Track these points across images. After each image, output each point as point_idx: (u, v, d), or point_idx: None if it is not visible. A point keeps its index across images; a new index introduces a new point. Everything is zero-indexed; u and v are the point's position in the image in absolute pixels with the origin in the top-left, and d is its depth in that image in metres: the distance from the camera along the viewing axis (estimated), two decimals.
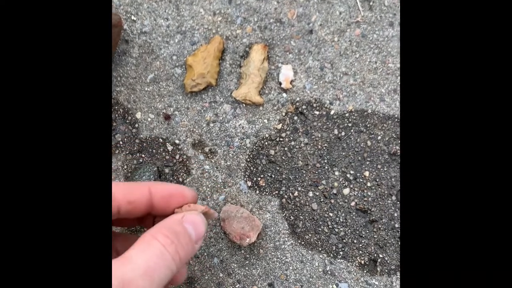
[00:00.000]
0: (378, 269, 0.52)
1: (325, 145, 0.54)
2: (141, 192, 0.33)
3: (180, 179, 0.56)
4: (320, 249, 0.53)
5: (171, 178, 0.56)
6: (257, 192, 0.55)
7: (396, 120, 0.54)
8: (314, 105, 0.55)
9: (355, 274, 0.53)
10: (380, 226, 0.53)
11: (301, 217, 0.54)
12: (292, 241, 0.54)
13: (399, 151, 0.53)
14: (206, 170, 0.56)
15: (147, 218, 0.38)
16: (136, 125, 0.57)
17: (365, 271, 0.53)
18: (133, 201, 0.33)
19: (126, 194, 0.32)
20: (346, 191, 0.54)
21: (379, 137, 0.54)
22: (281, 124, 0.55)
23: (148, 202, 0.34)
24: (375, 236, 0.53)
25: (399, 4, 0.56)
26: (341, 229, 0.53)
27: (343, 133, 0.54)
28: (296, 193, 0.54)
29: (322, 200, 0.54)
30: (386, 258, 0.52)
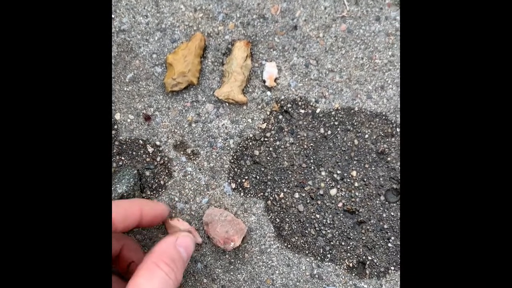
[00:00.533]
0: (367, 271, 0.51)
1: (311, 144, 0.53)
2: (134, 218, 0.39)
3: (162, 182, 0.54)
4: (307, 252, 0.52)
5: (152, 181, 0.54)
6: (242, 194, 0.53)
7: (383, 117, 0.52)
8: (299, 103, 0.53)
9: (343, 277, 0.51)
10: (368, 227, 0.51)
11: (287, 219, 0.52)
12: (278, 244, 0.52)
13: (387, 149, 0.52)
14: (189, 172, 0.54)
15: None
16: (115, 127, 0.55)
17: (353, 274, 0.51)
18: (127, 226, 0.38)
19: (122, 221, 0.37)
20: (333, 191, 0.52)
21: (367, 136, 0.52)
22: (265, 124, 0.53)
23: (137, 223, 0.40)
24: (364, 238, 0.51)
25: (387, 0, 0.54)
26: (329, 231, 0.52)
27: (329, 132, 0.53)
28: (281, 195, 0.53)
29: (308, 201, 0.52)
30: (375, 260, 0.51)
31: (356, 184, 0.52)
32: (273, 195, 0.53)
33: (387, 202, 0.51)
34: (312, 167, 0.53)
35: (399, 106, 0.52)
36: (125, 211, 0.38)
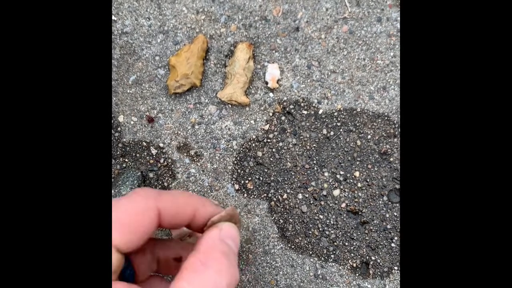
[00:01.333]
0: (371, 271, 0.51)
1: (314, 145, 0.53)
2: (149, 218, 0.27)
3: (165, 184, 0.54)
4: (310, 252, 0.52)
5: (156, 183, 0.54)
6: (245, 195, 0.53)
7: (386, 118, 0.52)
8: (302, 104, 0.54)
9: (347, 277, 0.51)
10: (371, 227, 0.51)
11: (291, 220, 0.52)
12: (282, 245, 0.52)
13: (389, 150, 0.52)
14: (192, 174, 0.54)
15: None
16: (119, 129, 0.55)
17: (357, 274, 0.51)
18: (173, 225, 0.29)
19: (171, 218, 0.28)
20: (336, 192, 0.52)
21: (369, 136, 0.52)
22: (268, 125, 0.54)
23: (156, 226, 0.28)
24: (367, 238, 0.51)
25: (388, 0, 0.55)
26: (332, 231, 0.52)
27: (332, 133, 0.53)
28: (285, 196, 0.53)
29: (311, 202, 0.52)
30: (378, 261, 0.51)
31: (359, 185, 0.52)
32: (277, 196, 0.53)
33: (390, 203, 0.51)
34: (315, 168, 0.53)
35: None
36: (177, 208, 0.29)
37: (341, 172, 0.52)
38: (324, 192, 0.52)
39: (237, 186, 0.53)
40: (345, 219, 0.52)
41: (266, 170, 0.53)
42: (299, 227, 0.52)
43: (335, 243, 0.52)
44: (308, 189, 0.53)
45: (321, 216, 0.52)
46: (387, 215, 0.51)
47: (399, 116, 0.52)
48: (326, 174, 0.53)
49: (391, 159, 0.52)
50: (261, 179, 0.53)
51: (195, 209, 0.29)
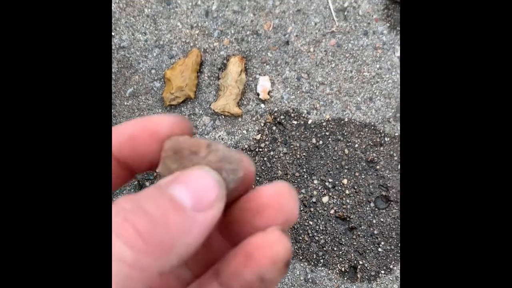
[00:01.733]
0: (359, 275, 0.53)
1: (304, 154, 0.55)
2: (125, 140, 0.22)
3: None
4: (301, 257, 0.54)
5: None
6: None
7: (372, 127, 0.55)
8: (292, 115, 0.56)
9: (336, 281, 0.53)
10: (359, 233, 0.53)
11: None
12: None
13: (376, 158, 0.54)
14: None
15: None
16: None
17: (345, 278, 0.53)
18: (128, 156, 0.22)
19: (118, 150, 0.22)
20: (325, 199, 0.54)
21: (356, 145, 0.55)
22: (260, 135, 0.56)
23: (113, 162, 0.22)
24: (355, 243, 0.53)
25: (374, 14, 0.57)
26: (321, 237, 0.54)
27: (321, 142, 0.55)
28: None
29: (302, 208, 0.55)
30: (366, 265, 0.53)
31: (347, 192, 0.54)
32: None
33: (376, 209, 0.54)
34: (305, 176, 0.55)
35: (387, 117, 0.55)
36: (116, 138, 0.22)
37: (330, 180, 0.55)
38: (314, 199, 0.55)
39: None
40: (334, 225, 0.54)
41: (258, 179, 0.56)
42: (290, 233, 0.54)
43: (324, 248, 0.54)
44: (298, 196, 0.55)
45: (311, 222, 0.54)
46: (374, 221, 0.53)
47: (387, 126, 0.55)
48: (315, 181, 0.55)
49: (378, 167, 0.54)
50: (253, 186, 0.55)
51: (152, 127, 0.21)
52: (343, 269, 0.53)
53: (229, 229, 0.23)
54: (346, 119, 0.55)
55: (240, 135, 0.56)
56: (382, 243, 0.53)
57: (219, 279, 0.22)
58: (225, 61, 0.57)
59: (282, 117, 0.56)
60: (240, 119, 0.56)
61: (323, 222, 0.54)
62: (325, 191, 0.54)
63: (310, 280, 0.54)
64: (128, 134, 0.21)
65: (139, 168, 0.21)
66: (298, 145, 0.55)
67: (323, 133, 0.55)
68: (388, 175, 0.54)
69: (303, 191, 0.55)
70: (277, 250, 0.21)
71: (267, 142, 0.56)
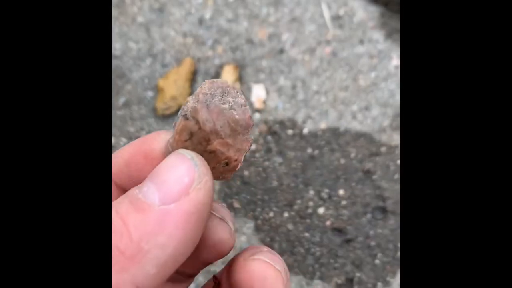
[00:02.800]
0: None
1: (299, 164, 0.54)
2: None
3: None
4: (296, 270, 0.53)
5: None
6: (232, 214, 0.54)
7: (368, 137, 0.54)
8: (287, 124, 0.55)
9: None
10: (356, 244, 0.52)
11: (277, 238, 0.53)
12: None
13: (372, 168, 0.53)
14: None
15: None
16: None
17: None
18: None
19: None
20: (321, 210, 0.53)
21: (352, 155, 0.54)
22: (255, 144, 0.55)
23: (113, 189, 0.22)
24: (351, 255, 0.52)
25: (369, 22, 0.56)
26: (317, 249, 0.53)
27: (316, 152, 0.54)
28: (271, 214, 0.54)
29: (297, 220, 0.54)
30: (362, 277, 0.52)
31: (343, 203, 0.53)
32: (263, 215, 0.54)
33: (373, 220, 0.53)
34: (301, 186, 0.54)
35: (383, 126, 0.54)
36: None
37: (326, 190, 0.54)
38: (310, 210, 0.54)
39: (224, 205, 0.54)
40: (330, 236, 0.53)
41: (252, 189, 0.55)
42: (285, 245, 0.53)
43: (321, 261, 0.53)
44: (294, 207, 0.54)
45: (306, 234, 0.53)
46: (371, 232, 0.52)
47: (383, 135, 0.54)
48: (311, 192, 0.54)
49: (374, 177, 0.53)
50: (248, 198, 0.54)
51: (146, 149, 0.20)
52: (339, 281, 0.52)
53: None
54: (342, 129, 0.54)
55: None
56: (379, 255, 0.52)
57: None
58: (219, 70, 0.56)
59: (277, 126, 0.55)
60: None
61: (319, 234, 0.53)
62: (321, 202, 0.53)
63: None
64: (124, 159, 0.20)
65: None
66: (293, 155, 0.55)
67: (318, 143, 0.54)
68: (385, 186, 0.53)
69: (298, 201, 0.54)
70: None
71: (262, 152, 0.55)
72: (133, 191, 0.17)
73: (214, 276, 0.24)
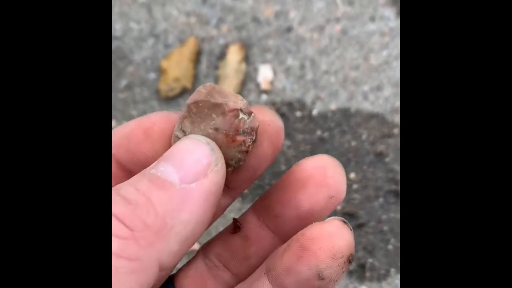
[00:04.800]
0: (367, 274, 0.50)
1: (308, 147, 0.52)
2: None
3: None
4: None
5: None
6: (239, 199, 0.52)
7: (380, 118, 0.52)
8: (295, 105, 0.53)
9: (343, 281, 0.50)
10: (368, 229, 0.51)
11: None
12: None
13: (384, 150, 0.51)
14: None
15: None
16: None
17: (353, 278, 0.50)
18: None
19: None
20: None
21: (364, 137, 0.52)
22: None
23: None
24: (363, 240, 0.51)
25: (380, 0, 0.54)
26: None
27: (326, 134, 0.52)
28: None
29: None
30: (375, 263, 0.50)
31: (354, 186, 0.51)
32: None
33: (386, 204, 0.51)
34: None
35: (396, 106, 0.52)
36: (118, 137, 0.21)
37: None
38: None
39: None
40: None
41: None
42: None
43: None
44: None
45: None
46: (384, 217, 0.50)
47: (396, 116, 0.52)
48: None
49: (387, 159, 0.51)
50: (256, 182, 0.52)
51: (147, 124, 0.20)
52: (351, 268, 0.50)
53: (269, 213, 0.22)
54: (352, 110, 0.52)
55: None
56: (392, 240, 0.50)
57: (270, 276, 0.20)
58: (223, 50, 0.54)
59: (285, 108, 0.53)
60: None
61: None
62: None
63: None
64: (123, 133, 0.21)
65: (135, 168, 0.21)
66: (302, 137, 0.53)
67: (328, 125, 0.52)
68: (398, 168, 0.51)
69: None
70: (337, 243, 0.19)
71: None
72: (149, 170, 0.17)
73: (234, 219, 0.23)
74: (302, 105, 0.53)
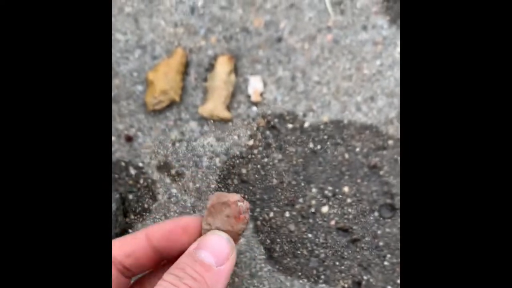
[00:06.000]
0: None
1: (300, 160, 0.51)
2: (137, 241, 0.32)
3: (146, 206, 0.52)
4: (299, 274, 0.49)
5: (136, 205, 0.52)
6: None
7: (374, 130, 0.50)
8: (287, 117, 0.51)
9: None
10: (363, 245, 0.49)
11: (278, 240, 0.50)
12: (269, 267, 0.50)
13: (379, 163, 0.50)
14: (174, 194, 0.52)
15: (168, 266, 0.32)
16: None
17: None
18: (131, 252, 0.31)
19: (121, 247, 0.31)
20: (324, 209, 0.50)
21: (357, 149, 0.50)
22: (252, 140, 0.51)
23: (149, 249, 0.32)
24: (358, 257, 0.49)
25: (372, 7, 0.53)
26: (322, 251, 0.49)
27: (318, 147, 0.51)
28: (271, 214, 0.50)
29: (299, 220, 0.50)
30: (371, 280, 0.48)
31: (348, 200, 0.50)
32: (263, 215, 0.50)
33: (381, 218, 0.49)
34: (302, 184, 0.50)
35: (390, 117, 0.50)
36: (122, 240, 0.32)
37: (330, 188, 0.50)
38: (312, 209, 0.50)
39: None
40: (335, 237, 0.49)
41: (251, 188, 0.51)
42: (287, 247, 0.50)
43: (325, 263, 0.49)
44: (296, 207, 0.50)
45: (309, 235, 0.50)
46: (379, 232, 0.49)
47: (390, 127, 0.50)
48: (313, 190, 0.50)
49: (381, 172, 0.50)
50: (246, 197, 0.51)
51: (145, 232, 0.32)
52: (346, 285, 0.49)
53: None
54: (345, 121, 0.51)
55: (231, 141, 0.52)
56: (388, 255, 0.48)
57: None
58: (212, 61, 0.52)
59: (276, 120, 0.51)
60: (230, 124, 0.52)
61: (323, 235, 0.50)
62: (325, 200, 0.50)
63: None
64: (167, 230, 0.32)
65: (169, 254, 0.32)
66: (294, 150, 0.51)
67: (321, 137, 0.51)
68: (393, 181, 0.49)
69: (300, 200, 0.50)
70: None
71: (260, 148, 0.51)
72: (195, 256, 0.29)
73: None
74: (293, 117, 0.51)
